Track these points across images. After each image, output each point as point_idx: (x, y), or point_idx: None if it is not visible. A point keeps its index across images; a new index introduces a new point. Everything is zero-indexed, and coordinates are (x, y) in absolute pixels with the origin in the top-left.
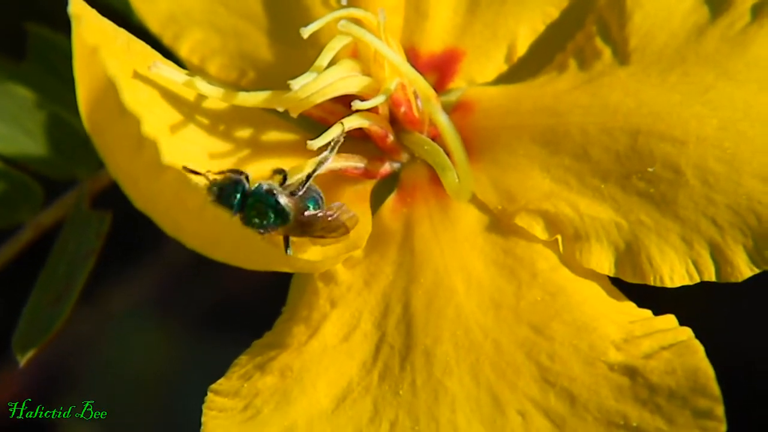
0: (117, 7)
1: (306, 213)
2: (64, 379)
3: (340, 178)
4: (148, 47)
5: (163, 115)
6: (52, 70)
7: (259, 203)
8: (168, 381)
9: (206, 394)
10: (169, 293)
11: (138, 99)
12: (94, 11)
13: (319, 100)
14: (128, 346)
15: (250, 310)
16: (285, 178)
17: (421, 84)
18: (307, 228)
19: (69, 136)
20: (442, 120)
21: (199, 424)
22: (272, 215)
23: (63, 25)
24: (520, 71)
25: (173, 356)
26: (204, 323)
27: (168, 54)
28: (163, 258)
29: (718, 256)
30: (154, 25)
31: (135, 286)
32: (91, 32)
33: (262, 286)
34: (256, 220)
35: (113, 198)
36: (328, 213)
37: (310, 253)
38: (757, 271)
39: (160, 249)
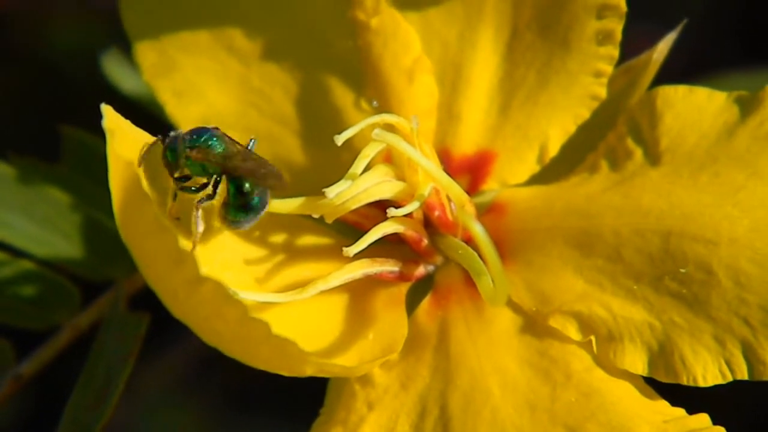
0: (150, 111)
1: None
2: None
3: (374, 281)
4: None
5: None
6: (86, 172)
7: None
8: None
9: None
10: (196, 377)
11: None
12: (128, 122)
13: (354, 206)
14: (157, 428)
15: (272, 394)
16: None
17: (454, 190)
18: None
19: (104, 238)
20: (476, 229)
21: None
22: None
23: (98, 126)
24: (552, 171)
25: None
26: (229, 406)
27: None
28: (189, 342)
29: (750, 355)
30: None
31: (163, 371)
32: (125, 146)
33: None
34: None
35: (148, 295)
36: None
37: (346, 359)
38: None
39: (186, 333)
